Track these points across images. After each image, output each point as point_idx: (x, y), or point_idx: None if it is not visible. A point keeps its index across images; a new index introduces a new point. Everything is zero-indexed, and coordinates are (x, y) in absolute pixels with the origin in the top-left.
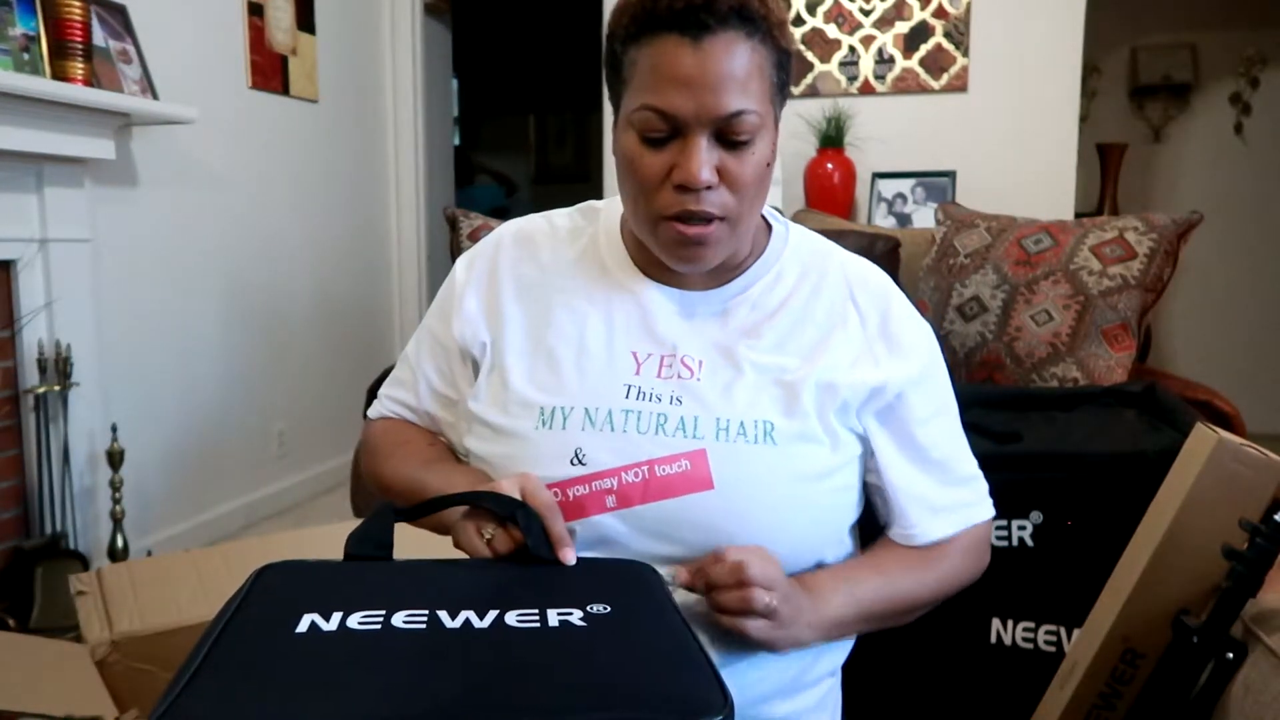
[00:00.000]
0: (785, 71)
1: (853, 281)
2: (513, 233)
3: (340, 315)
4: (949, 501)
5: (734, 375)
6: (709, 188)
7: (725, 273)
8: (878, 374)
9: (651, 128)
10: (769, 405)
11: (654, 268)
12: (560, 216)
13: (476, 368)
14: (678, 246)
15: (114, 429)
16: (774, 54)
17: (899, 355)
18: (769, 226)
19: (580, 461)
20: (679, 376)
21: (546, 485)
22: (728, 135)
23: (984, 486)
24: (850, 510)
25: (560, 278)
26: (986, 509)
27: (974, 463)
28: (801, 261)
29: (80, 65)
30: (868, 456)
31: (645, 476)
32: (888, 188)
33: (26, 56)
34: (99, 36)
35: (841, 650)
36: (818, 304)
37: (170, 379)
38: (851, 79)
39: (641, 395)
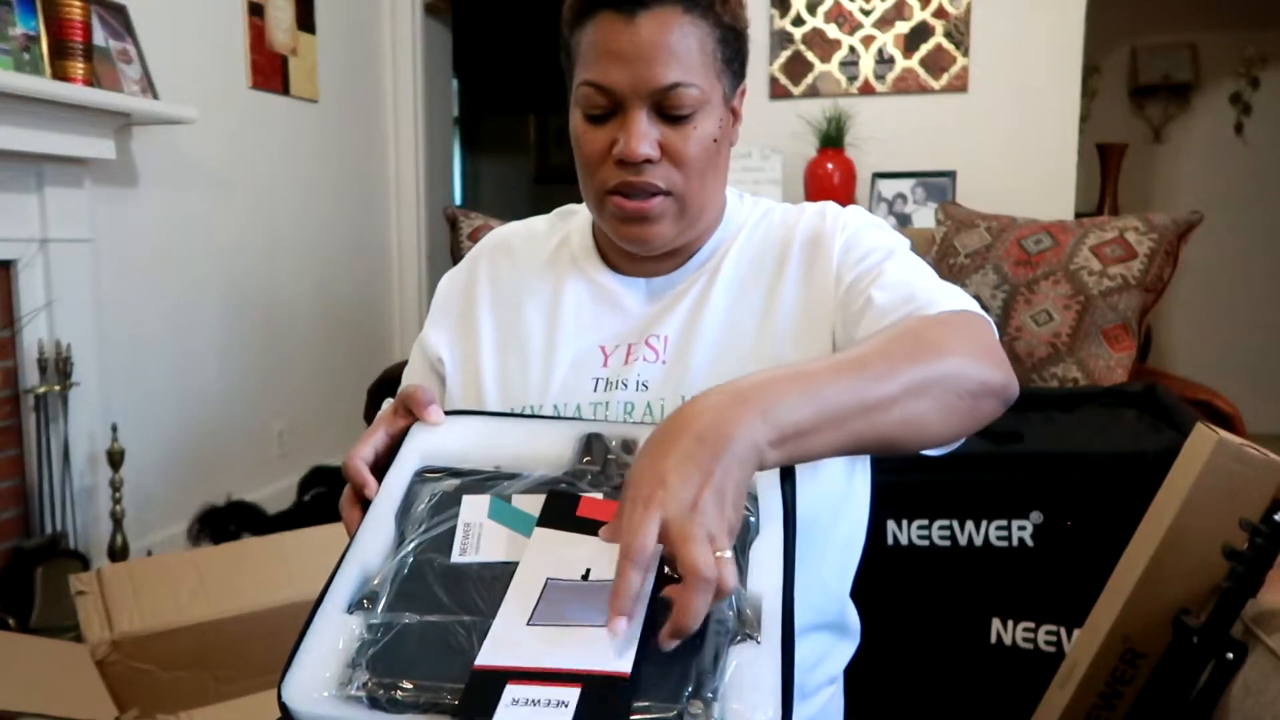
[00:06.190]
0: (733, 47)
1: (791, 214)
2: (491, 242)
3: (340, 315)
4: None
5: (694, 350)
6: (649, 161)
7: (685, 254)
8: (828, 280)
9: (592, 103)
10: (729, 371)
11: (623, 261)
12: (539, 221)
13: (443, 380)
14: (621, 222)
15: (114, 429)
16: (717, 29)
17: (832, 245)
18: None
19: None
20: (644, 360)
21: None
22: (667, 109)
23: (966, 299)
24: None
25: (532, 278)
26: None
27: (945, 287)
28: (751, 222)
29: (80, 65)
30: None
31: None
32: (888, 188)
33: (27, 56)
34: (99, 36)
35: (841, 657)
36: (766, 255)
37: (170, 378)
38: (851, 79)
39: (609, 386)
